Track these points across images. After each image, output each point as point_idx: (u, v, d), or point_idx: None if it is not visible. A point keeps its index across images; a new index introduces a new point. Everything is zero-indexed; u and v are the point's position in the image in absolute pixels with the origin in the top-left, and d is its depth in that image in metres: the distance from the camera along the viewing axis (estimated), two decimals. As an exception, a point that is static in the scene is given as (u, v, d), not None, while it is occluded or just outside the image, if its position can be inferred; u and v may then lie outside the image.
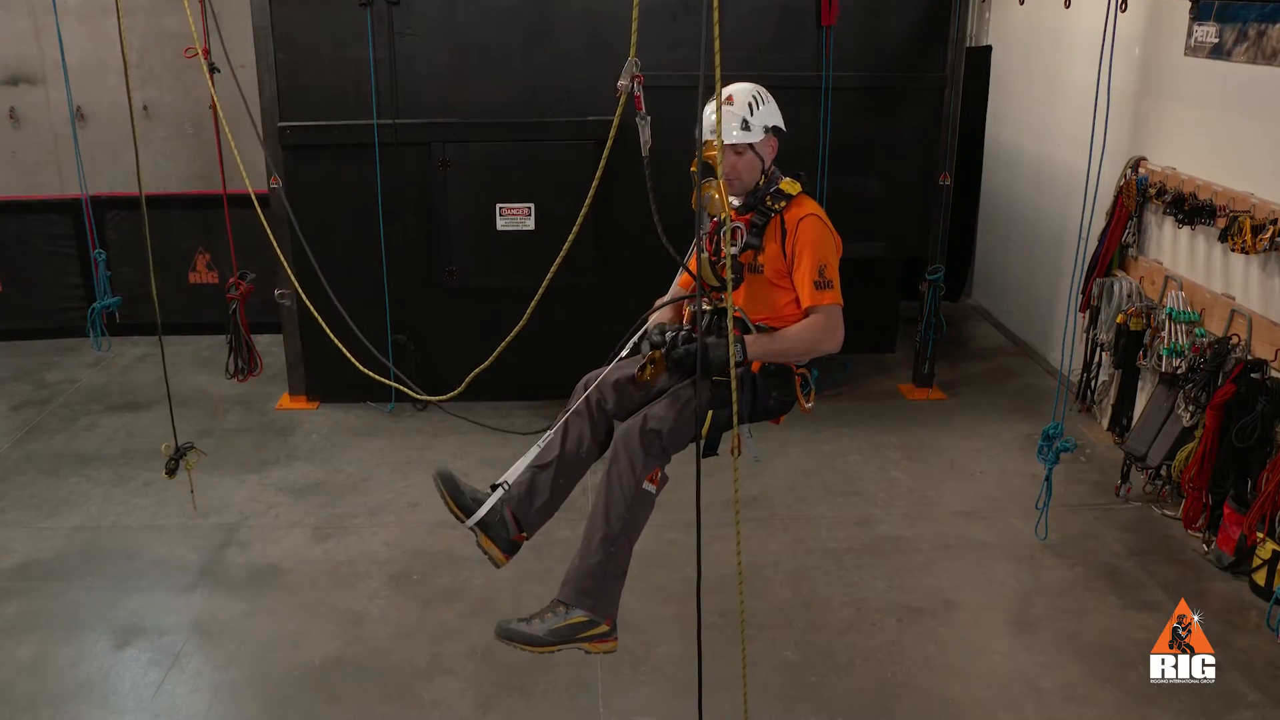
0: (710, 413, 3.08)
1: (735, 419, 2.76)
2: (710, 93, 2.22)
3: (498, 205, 6.13)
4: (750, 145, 3.21)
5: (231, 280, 5.46)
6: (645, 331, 3.20)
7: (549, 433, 3.23)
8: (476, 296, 6.28)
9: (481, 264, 6.26)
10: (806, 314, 3.24)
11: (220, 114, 4.43)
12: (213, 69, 4.63)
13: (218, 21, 4.78)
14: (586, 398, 3.24)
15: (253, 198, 4.39)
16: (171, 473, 4.84)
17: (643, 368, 3.10)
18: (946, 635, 4.34)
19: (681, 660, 4.15)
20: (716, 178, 2.85)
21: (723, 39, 2.17)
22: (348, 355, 4.34)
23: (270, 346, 6.65)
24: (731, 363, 2.63)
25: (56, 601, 4.54)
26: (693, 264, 2.92)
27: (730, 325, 2.62)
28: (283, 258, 4.90)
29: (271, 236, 4.77)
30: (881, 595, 4.60)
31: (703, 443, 3.09)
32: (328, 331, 4.24)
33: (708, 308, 3.20)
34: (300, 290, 4.41)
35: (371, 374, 4.17)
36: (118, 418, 6.44)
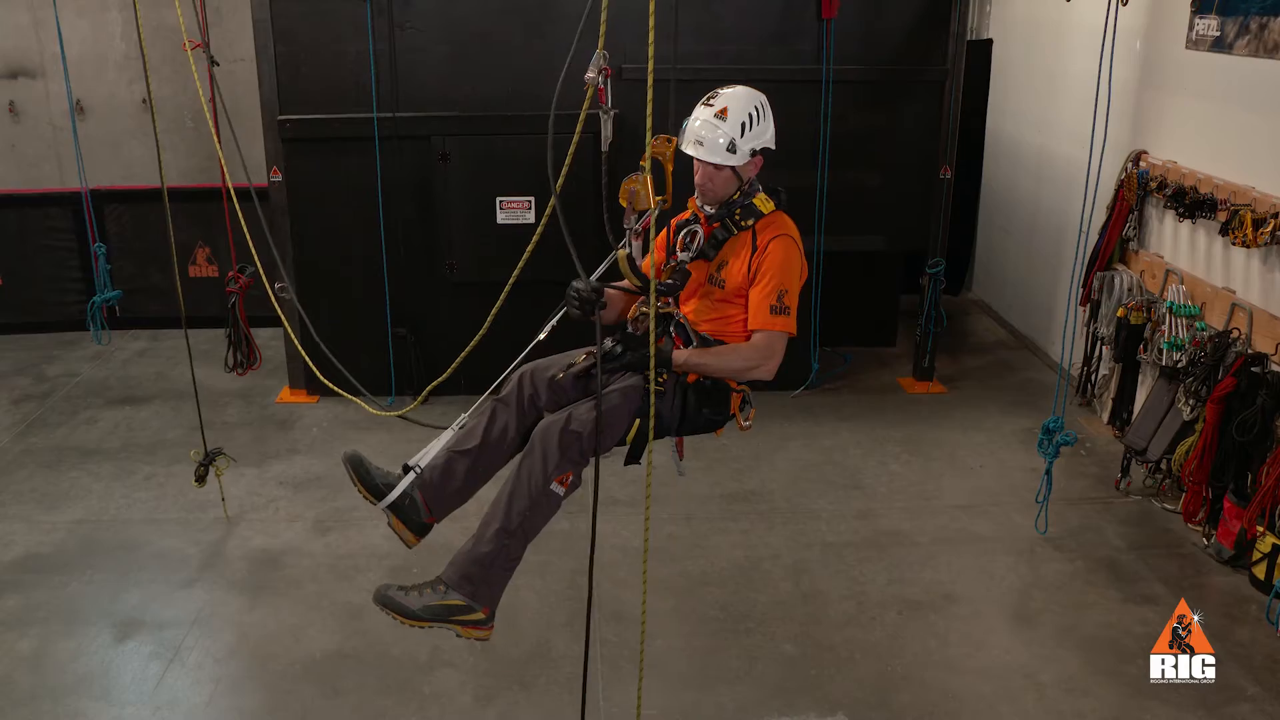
0: (637, 421, 3.01)
1: (651, 433, 2.75)
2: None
3: (498, 198, 6.12)
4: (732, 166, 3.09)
5: (231, 274, 5.45)
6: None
7: (464, 416, 3.17)
8: (477, 290, 6.26)
9: (482, 258, 6.25)
10: (750, 335, 3.12)
11: (220, 108, 4.43)
12: (212, 62, 4.64)
13: (206, 14, 4.77)
14: (520, 390, 3.16)
15: (229, 191, 4.39)
16: (201, 480, 4.84)
17: (570, 367, 3.06)
18: (946, 629, 4.34)
19: (681, 653, 4.16)
20: (646, 171, 2.68)
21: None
22: (311, 365, 4.33)
23: (270, 340, 6.65)
24: (652, 375, 2.59)
25: (57, 595, 4.54)
26: (648, 264, 2.88)
27: (653, 329, 2.57)
28: (246, 250, 4.85)
29: (245, 232, 4.75)
30: (881, 589, 4.61)
31: (627, 449, 3.08)
32: (296, 341, 4.26)
33: (645, 310, 3.11)
34: (268, 287, 4.41)
35: (329, 382, 4.18)
36: (118, 411, 6.44)
